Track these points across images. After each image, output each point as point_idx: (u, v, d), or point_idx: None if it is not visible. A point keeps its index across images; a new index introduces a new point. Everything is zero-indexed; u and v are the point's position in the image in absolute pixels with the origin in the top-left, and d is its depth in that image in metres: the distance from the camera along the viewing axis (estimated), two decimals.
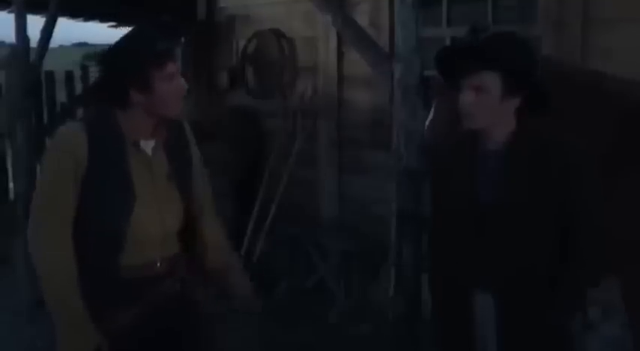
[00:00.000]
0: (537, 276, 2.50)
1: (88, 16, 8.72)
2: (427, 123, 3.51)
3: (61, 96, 7.93)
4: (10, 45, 5.91)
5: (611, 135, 3.02)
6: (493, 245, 2.51)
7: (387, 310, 4.01)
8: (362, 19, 5.46)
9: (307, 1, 4.96)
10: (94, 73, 8.58)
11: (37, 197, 2.47)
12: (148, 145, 2.56)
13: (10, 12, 6.43)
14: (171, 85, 2.46)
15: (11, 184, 7.14)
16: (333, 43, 6.15)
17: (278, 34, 6.56)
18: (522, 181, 2.48)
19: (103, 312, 2.47)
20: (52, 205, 2.44)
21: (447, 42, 5.30)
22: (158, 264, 2.60)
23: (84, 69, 8.35)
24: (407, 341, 3.84)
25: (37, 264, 2.43)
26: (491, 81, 2.43)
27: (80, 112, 7.82)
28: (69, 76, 7.97)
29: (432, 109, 3.52)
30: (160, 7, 7.96)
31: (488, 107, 2.46)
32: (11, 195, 7.18)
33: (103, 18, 8.83)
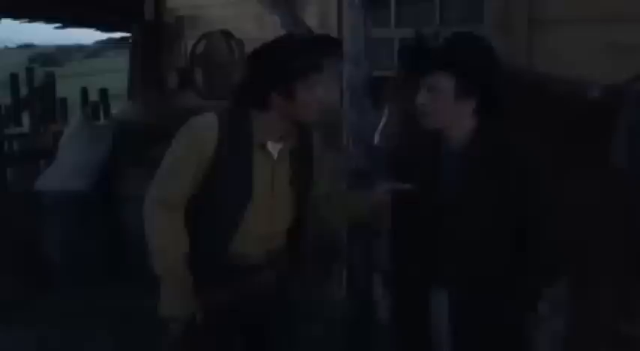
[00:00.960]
0: (492, 276, 2.50)
1: (33, 16, 8.58)
2: (381, 126, 3.52)
3: (6, 99, 7.80)
4: None
5: (558, 136, 3.04)
6: (449, 245, 2.52)
7: (339, 311, 4.01)
8: (311, 20, 5.46)
9: (257, 2, 4.94)
10: (39, 75, 8.47)
11: (159, 174, 2.63)
12: (275, 148, 2.66)
13: None
14: (312, 94, 2.56)
15: None
16: None
17: (227, 35, 6.53)
18: (479, 182, 2.49)
19: (202, 288, 2.64)
20: (171, 182, 2.61)
21: (396, 43, 5.32)
22: (261, 255, 2.74)
23: (29, 71, 8.22)
24: (358, 342, 3.85)
25: (149, 233, 2.60)
26: (445, 82, 2.45)
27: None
28: (14, 79, 7.84)
29: (385, 112, 3.52)
30: (107, 7, 7.87)
31: (442, 107, 2.47)
32: None
33: (48, 19, 8.70)
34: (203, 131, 2.60)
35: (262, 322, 2.85)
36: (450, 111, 2.49)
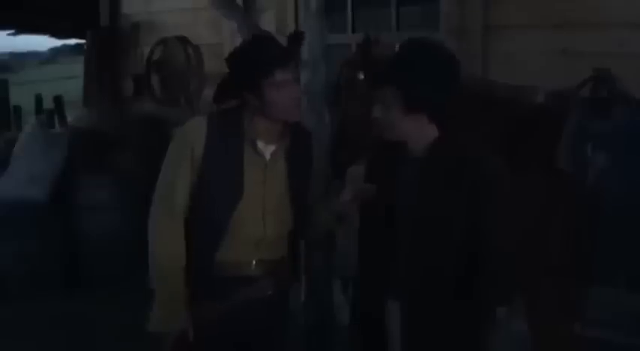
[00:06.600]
0: (444, 289, 2.45)
1: None
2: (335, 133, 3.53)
3: None
4: None
5: (501, 143, 3.02)
6: (403, 253, 2.48)
7: (299, 316, 4.01)
8: (268, 26, 5.47)
9: (213, 8, 4.93)
10: None
11: (158, 183, 2.63)
12: (267, 149, 2.62)
13: None
14: (281, 92, 2.52)
15: None
16: None
17: (184, 41, 6.50)
18: (435, 191, 2.43)
19: (194, 301, 2.60)
20: (169, 191, 2.59)
21: (353, 48, 5.35)
22: (253, 265, 2.65)
23: None
24: (319, 347, 3.85)
25: (150, 243, 2.58)
26: (392, 96, 2.40)
27: None
28: None
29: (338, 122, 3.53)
30: (61, 13, 7.80)
31: (395, 121, 2.43)
32: None
33: (1, 25, 8.59)
34: (191, 131, 2.59)
35: (255, 338, 2.74)
36: (403, 124, 2.44)
